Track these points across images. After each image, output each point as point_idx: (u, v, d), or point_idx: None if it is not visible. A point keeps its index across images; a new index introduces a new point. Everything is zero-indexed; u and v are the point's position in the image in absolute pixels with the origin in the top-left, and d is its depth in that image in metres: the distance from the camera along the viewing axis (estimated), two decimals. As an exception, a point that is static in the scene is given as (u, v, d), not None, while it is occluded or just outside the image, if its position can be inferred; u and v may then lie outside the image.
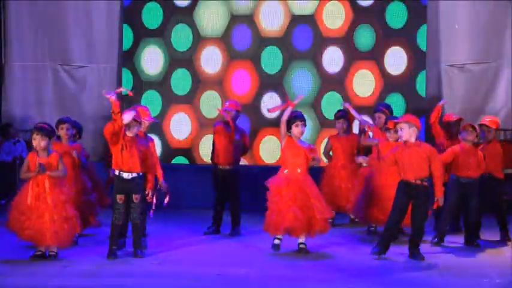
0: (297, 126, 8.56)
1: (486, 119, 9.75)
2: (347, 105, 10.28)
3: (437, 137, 9.83)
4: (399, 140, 8.44)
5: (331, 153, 10.83)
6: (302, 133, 8.62)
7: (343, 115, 10.68)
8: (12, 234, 8.10)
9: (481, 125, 9.53)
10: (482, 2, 12.50)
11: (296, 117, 8.58)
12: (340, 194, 10.31)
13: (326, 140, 11.02)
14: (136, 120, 8.12)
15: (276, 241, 8.54)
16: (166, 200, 8.65)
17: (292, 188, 8.44)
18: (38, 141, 8.05)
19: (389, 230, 8.27)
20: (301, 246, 8.61)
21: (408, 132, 8.16)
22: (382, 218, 9.04)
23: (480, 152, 9.20)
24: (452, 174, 9.13)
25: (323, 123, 12.60)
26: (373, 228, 9.59)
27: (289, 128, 8.56)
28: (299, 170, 8.54)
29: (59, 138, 9.12)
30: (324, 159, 10.79)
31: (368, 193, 9.37)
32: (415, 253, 8.19)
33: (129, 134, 8.12)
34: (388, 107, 10.37)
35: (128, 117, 7.99)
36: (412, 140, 8.17)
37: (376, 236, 9.24)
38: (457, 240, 9.29)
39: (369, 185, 9.41)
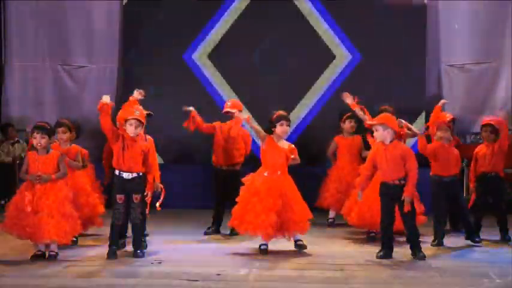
0: (281, 125, 8.57)
1: (487, 119, 9.73)
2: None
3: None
4: (376, 139, 8.40)
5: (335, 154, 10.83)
6: (286, 133, 8.63)
7: (353, 115, 10.66)
8: (10, 234, 8.11)
9: (484, 125, 9.53)
10: (482, 2, 12.51)
11: (281, 117, 8.60)
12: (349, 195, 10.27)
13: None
14: (139, 121, 8.12)
15: (263, 246, 8.57)
16: (159, 203, 8.58)
17: (272, 194, 8.45)
18: (38, 139, 8.07)
19: (385, 233, 8.30)
20: (298, 243, 8.62)
21: (382, 134, 8.17)
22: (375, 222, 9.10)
23: (457, 150, 9.23)
24: (434, 175, 9.14)
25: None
26: (373, 234, 9.55)
27: (273, 127, 8.57)
28: (279, 172, 8.55)
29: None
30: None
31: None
32: (415, 252, 8.19)
33: (132, 133, 8.13)
34: (391, 107, 10.38)
35: (106, 97, 8.05)
36: (387, 141, 8.17)
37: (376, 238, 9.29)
38: (457, 240, 9.28)
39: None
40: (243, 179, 8.70)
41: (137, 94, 8.88)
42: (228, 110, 9.91)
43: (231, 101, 10.23)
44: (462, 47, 12.65)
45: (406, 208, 8.06)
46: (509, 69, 12.43)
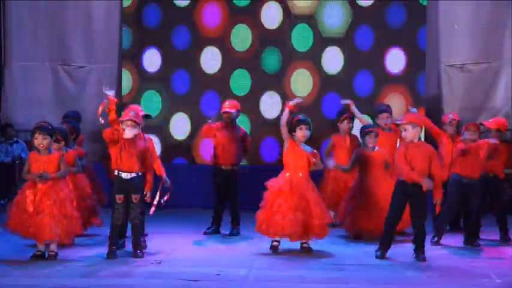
0: (301, 129, 8.56)
1: (488, 121, 9.76)
2: (348, 102, 10.35)
3: (437, 138, 9.82)
4: (406, 139, 8.33)
5: (331, 153, 10.84)
6: (305, 137, 8.60)
7: (348, 116, 10.68)
8: (14, 233, 8.12)
9: (481, 124, 9.55)
10: (481, 2, 12.50)
11: (300, 121, 8.58)
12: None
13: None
14: (135, 122, 8.11)
15: (275, 243, 8.58)
16: (165, 198, 8.60)
17: (295, 193, 8.45)
18: (40, 140, 8.07)
19: (389, 231, 8.28)
20: (304, 245, 8.63)
21: (413, 132, 8.15)
22: (369, 227, 9.25)
23: (482, 152, 9.21)
24: (454, 173, 9.13)
25: (323, 123, 12.62)
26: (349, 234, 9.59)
27: (292, 131, 8.57)
28: (301, 174, 8.56)
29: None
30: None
31: (358, 201, 9.43)
32: (418, 254, 8.17)
33: (129, 134, 8.12)
34: (390, 107, 10.42)
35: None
36: (416, 140, 8.17)
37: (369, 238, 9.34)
38: (457, 240, 9.28)
39: (360, 192, 9.47)
40: (266, 183, 8.67)
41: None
42: (227, 110, 9.89)
43: (229, 101, 10.21)
44: (462, 47, 12.64)
45: (438, 209, 8.12)
46: (509, 69, 12.42)
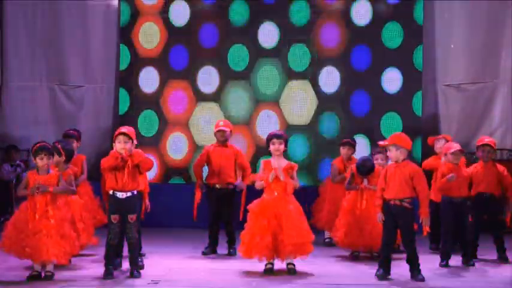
0: (273, 144, 8.57)
1: (485, 139, 9.72)
2: None
3: None
4: (389, 161, 8.40)
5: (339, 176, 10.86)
6: (278, 150, 8.56)
7: (349, 141, 10.72)
8: (9, 254, 8.09)
9: (484, 145, 9.51)
10: (477, 22, 12.57)
11: (272, 136, 8.61)
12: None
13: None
14: (126, 135, 8.13)
15: (268, 265, 8.55)
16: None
17: (266, 214, 8.45)
18: (45, 160, 8.07)
19: (384, 252, 8.24)
20: (289, 267, 8.56)
21: (396, 154, 8.13)
22: (362, 243, 9.39)
23: (468, 171, 9.30)
24: (444, 195, 9.16)
25: (321, 144, 12.63)
26: (356, 253, 9.58)
27: (268, 147, 8.63)
28: (276, 194, 8.52)
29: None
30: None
31: (350, 218, 9.47)
32: (415, 274, 8.14)
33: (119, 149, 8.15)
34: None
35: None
36: (400, 161, 8.17)
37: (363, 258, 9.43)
38: (454, 259, 9.26)
39: (352, 210, 9.51)
40: (248, 207, 8.71)
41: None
42: (222, 128, 9.90)
43: (223, 120, 10.25)
44: (458, 66, 12.70)
45: (426, 229, 8.02)
46: (505, 88, 12.48)
